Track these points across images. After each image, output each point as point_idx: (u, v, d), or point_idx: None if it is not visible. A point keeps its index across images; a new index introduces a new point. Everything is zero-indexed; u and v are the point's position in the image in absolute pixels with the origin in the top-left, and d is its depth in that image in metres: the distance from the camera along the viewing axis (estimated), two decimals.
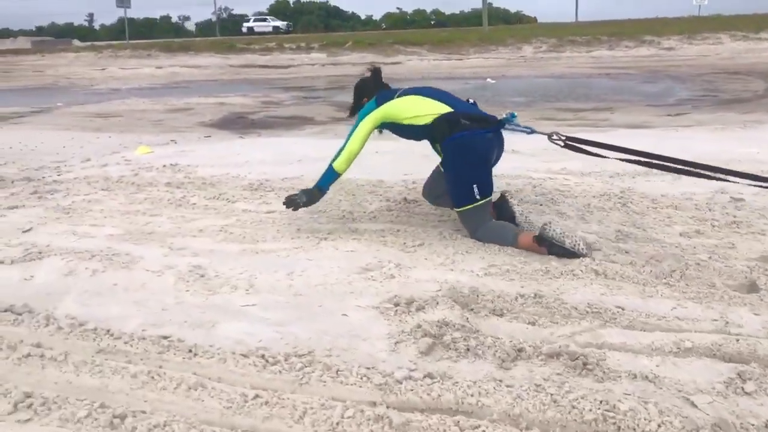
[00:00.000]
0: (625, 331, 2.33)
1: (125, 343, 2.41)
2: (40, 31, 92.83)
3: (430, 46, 29.63)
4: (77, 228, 3.88)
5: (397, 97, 3.49)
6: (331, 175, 3.49)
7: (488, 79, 16.99)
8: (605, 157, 3.20)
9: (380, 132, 3.57)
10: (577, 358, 2.12)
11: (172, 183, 4.92)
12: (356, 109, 3.73)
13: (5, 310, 2.70)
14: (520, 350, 2.20)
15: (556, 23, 53.19)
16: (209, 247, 3.44)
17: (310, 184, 4.61)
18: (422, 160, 5.36)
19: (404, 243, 3.34)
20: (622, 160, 3.25)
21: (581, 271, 2.86)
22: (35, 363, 2.30)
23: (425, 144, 3.66)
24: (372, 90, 3.68)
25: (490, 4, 39.25)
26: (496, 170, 4.64)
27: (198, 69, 26.34)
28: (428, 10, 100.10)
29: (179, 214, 4.09)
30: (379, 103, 3.49)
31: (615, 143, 5.69)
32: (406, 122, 3.42)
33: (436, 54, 28.12)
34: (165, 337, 2.42)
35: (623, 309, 2.49)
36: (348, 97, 12.58)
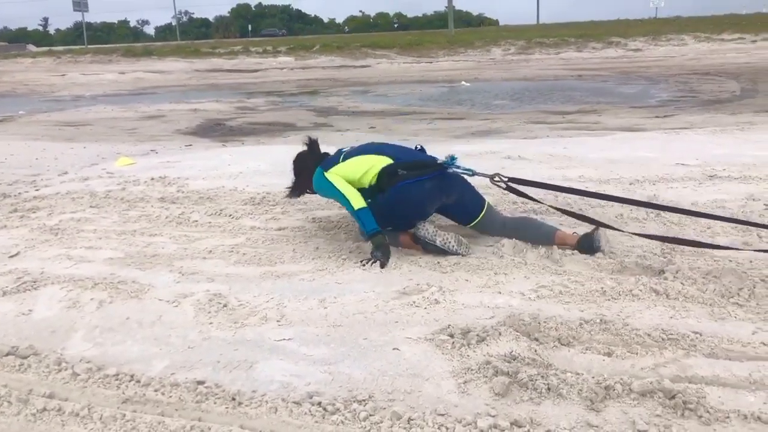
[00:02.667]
0: (712, 361, 2.12)
1: (155, 390, 2.11)
2: None
3: (398, 49, 29.55)
4: (71, 251, 3.54)
5: (342, 160, 3.38)
6: (367, 215, 3.22)
7: (463, 83, 16.91)
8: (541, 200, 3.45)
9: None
10: (674, 396, 1.90)
11: (166, 198, 4.60)
12: (300, 187, 3.63)
13: (7, 354, 2.38)
14: (607, 388, 1.98)
15: (519, 25, 53.70)
16: (224, 270, 3.15)
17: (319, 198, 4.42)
18: None
19: (438, 263, 3.10)
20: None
21: (640, 290, 2.65)
22: (54, 419, 1.99)
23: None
24: (313, 163, 3.51)
25: (453, 7, 39.37)
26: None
27: (162, 74, 25.75)
28: (391, 14, 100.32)
29: (182, 233, 3.78)
30: (325, 169, 3.39)
31: (621, 149, 5.59)
32: (356, 186, 3.32)
33: (405, 57, 28.02)
34: (200, 383, 2.14)
35: (700, 335, 2.29)
36: (324, 102, 12.32)
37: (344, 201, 3.28)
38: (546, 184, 3.35)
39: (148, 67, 28.37)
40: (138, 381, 2.17)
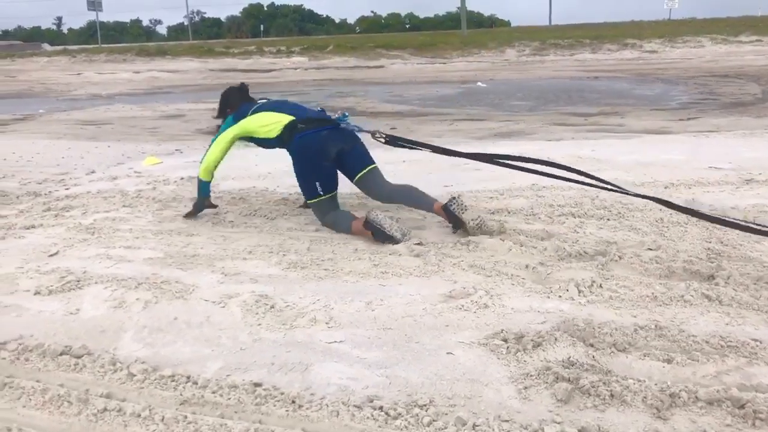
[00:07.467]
0: None
1: (213, 392, 2.11)
2: (5, 34, 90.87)
3: (412, 50, 29.51)
4: (110, 251, 3.55)
5: (251, 114, 3.91)
6: (203, 185, 4.03)
7: (479, 83, 16.85)
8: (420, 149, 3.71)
9: (257, 145, 4.05)
10: (743, 406, 1.88)
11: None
12: (220, 114, 4.26)
13: (62, 353, 2.38)
14: (672, 395, 1.95)
15: (531, 26, 53.50)
16: (266, 271, 3.15)
17: (348, 199, 4.43)
18: (453, 169, 5.15)
19: (481, 266, 3.08)
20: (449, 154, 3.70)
21: (691, 296, 2.62)
22: (115, 420, 1.99)
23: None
24: (236, 102, 4.16)
25: (465, 7, 39.32)
26: (548, 181, 4.44)
27: (177, 74, 25.81)
28: (402, 14, 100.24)
29: (219, 234, 3.78)
30: (236, 120, 3.96)
31: (651, 152, 5.55)
32: (259, 136, 3.88)
33: (419, 58, 27.98)
34: (257, 385, 2.13)
35: (760, 342, 2.26)
36: (342, 102, 12.36)
37: (202, 160, 3.98)
38: (419, 142, 3.78)
39: (162, 66, 28.47)
40: (195, 382, 2.16)
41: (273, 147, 3.95)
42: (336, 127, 3.78)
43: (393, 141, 3.75)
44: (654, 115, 9.40)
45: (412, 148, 3.79)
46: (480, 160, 3.68)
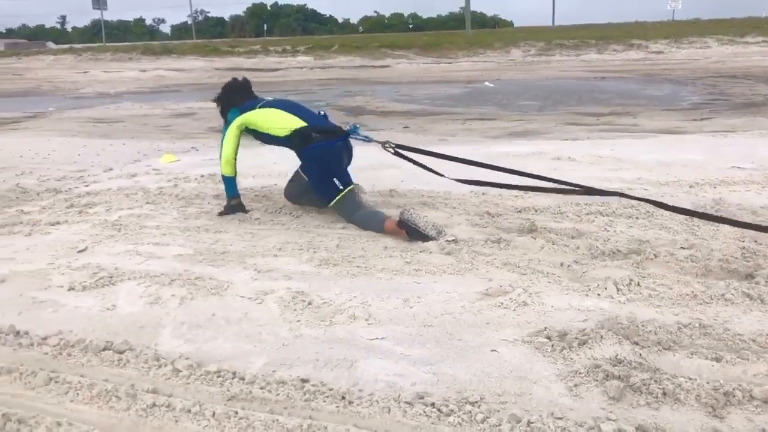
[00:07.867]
0: None
1: (261, 388, 2.10)
2: (10, 33, 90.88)
3: (417, 50, 29.47)
4: (138, 247, 3.54)
5: (259, 107, 3.95)
6: (228, 182, 4.06)
7: (486, 83, 16.83)
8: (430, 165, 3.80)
9: (255, 138, 4.07)
10: None
11: (221, 195, 4.56)
12: (217, 99, 4.30)
13: (104, 349, 2.38)
14: (726, 394, 1.94)
15: (535, 27, 53.47)
16: (298, 268, 3.14)
17: (370, 197, 4.41)
18: (474, 169, 5.13)
19: (515, 264, 3.07)
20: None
21: (732, 295, 2.61)
22: (165, 415, 1.98)
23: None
24: (237, 97, 4.14)
25: (470, 7, 39.27)
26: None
27: (183, 72, 25.78)
28: (405, 14, 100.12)
29: (246, 231, 3.77)
30: (242, 112, 3.98)
31: (670, 152, 5.53)
32: (264, 131, 3.91)
33: (425, 57, 27.94)
34: (305, 381, 2.12)
35: None
36: (351, 101, 12.37)
37: (220, 156, 4.00)
38: (429, 151, 3.88)
39: (168, 65, 28.42)
40: (242, 378, 2.16)
41: (277, 144, 3.99)
42: (346, 138, 3.89)
43: (400, 154, 3.82)
44: (666, 115, 9.38)
45: (417, 164, 3.82)
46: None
